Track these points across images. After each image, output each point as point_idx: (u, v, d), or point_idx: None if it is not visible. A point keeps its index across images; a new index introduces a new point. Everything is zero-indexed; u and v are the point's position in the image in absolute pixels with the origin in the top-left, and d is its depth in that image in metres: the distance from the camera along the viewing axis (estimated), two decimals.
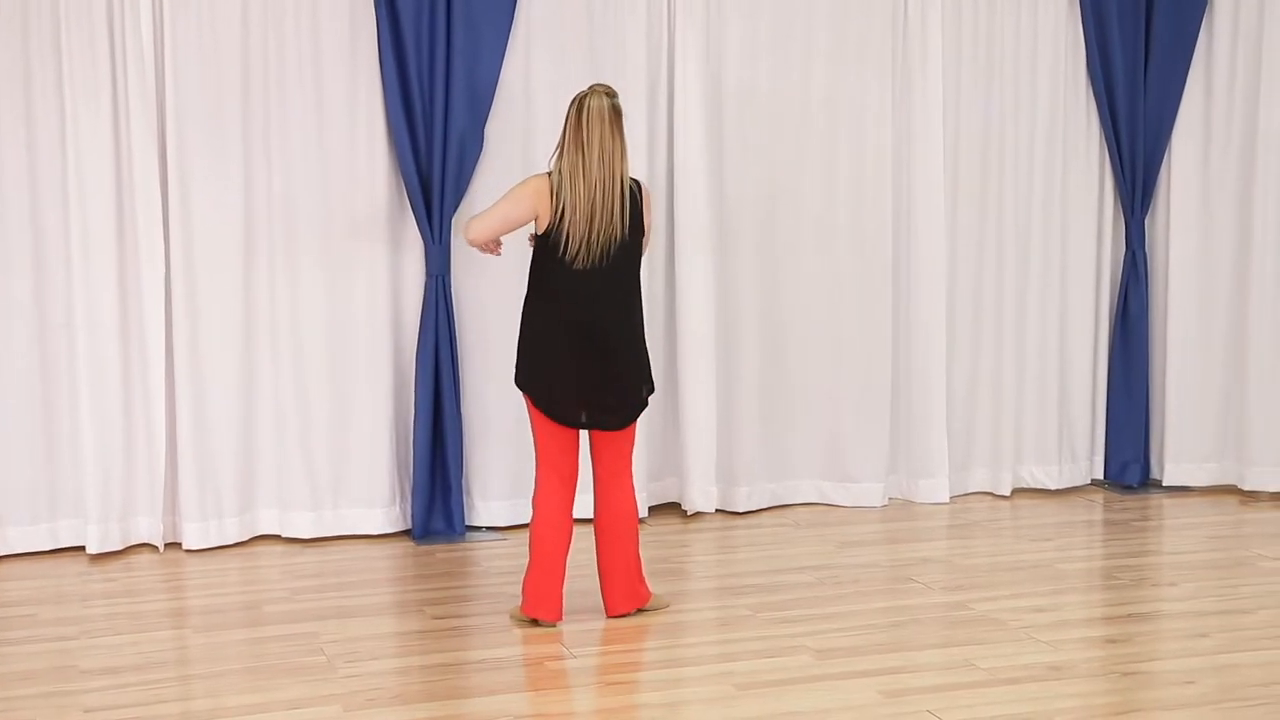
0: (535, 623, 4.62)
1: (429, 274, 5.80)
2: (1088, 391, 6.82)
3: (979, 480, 6.69)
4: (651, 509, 6.20)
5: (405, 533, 5.89)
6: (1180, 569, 5.41)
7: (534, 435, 4.63)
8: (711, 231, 6.10)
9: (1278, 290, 6.56)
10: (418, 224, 5.78)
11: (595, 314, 4.51)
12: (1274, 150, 6.51)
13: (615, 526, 4.68)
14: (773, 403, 6.32)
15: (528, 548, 4.65)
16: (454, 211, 5.79)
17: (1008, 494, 6.65)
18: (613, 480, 4.66)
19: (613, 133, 4.48)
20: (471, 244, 4.65)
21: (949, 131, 6.46)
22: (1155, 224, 6.83)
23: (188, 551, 5.60)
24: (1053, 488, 6.72)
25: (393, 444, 5.87)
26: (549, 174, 4.55)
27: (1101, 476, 6.88)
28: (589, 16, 5.95)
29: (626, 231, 4.52)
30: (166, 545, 5.66)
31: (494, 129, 5.84)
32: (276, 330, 5.72)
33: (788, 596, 4.99)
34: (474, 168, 5.80)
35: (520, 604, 4.69)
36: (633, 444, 4.71)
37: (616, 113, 4.51)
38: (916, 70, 6.37)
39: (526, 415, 4.65)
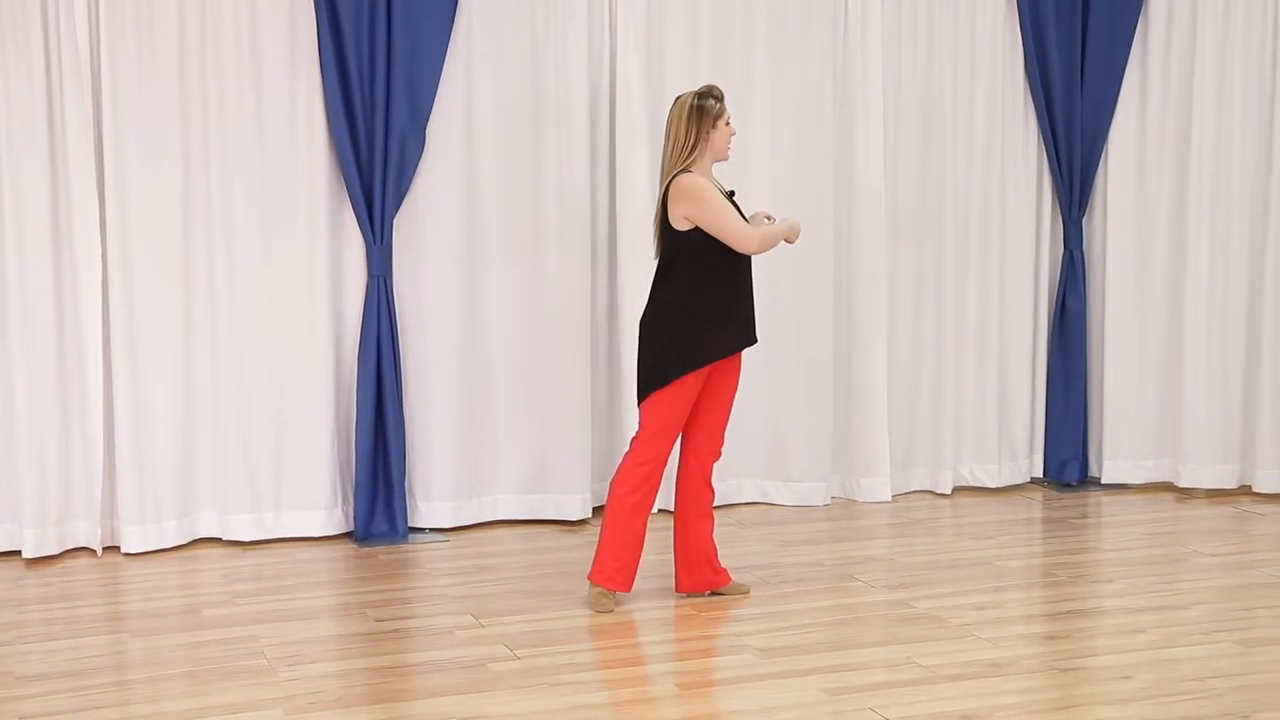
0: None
1: (370, 274, 5.77)
2: (1027, 391, 6.89)
3: (920, 479, 6.74)
4: (596, 509, 6.20)
5: (347, 535, 5.85)
6: (1118, 566, 5.48)
7: (667, 417, 4.83)
8: (652, 232, 6.09)
9: (1212, 290, 6.65)
10: (359, 224, 5.75)
11: (747, 293, 4.85)
12: (1208, 153, 6.61)
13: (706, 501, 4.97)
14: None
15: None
16: (395, 212, 5.77)
17: (949, 492, 6.70)
18: (713, 453, 4.95)
19: (669, 128, 4.76)
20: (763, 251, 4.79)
21: (889, 134, 6.51)
22: (1093, 225, 6.91)
23: (126, 555, 5.54)
24: (993, 486, 6.78)
25: (334, 446, 5.83)
26: (692, 172, 4.75)
27: (1041, 474, 6.95)
28: (530, 17, 5.94)
29: (658, 224, 4.81)
30: (105, 549, 5.60)
31: (435, 129, 5.81)
32: (216, 331, 5.67)
33: (732, 595, 5.00)
34: (415, 168, 5.77)
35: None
36: (642, 424, 4.78)
37: (687, 109, 4.74)
38: (856, 73, 6.41)
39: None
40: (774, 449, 6.41)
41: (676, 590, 5.00)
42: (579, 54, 5.98)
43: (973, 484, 6.79)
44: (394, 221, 5.80)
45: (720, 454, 4.96)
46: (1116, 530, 6.10)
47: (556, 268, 6.01)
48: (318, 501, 5.80)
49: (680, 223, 4.72)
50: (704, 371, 4.76)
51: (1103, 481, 6.88)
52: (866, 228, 6.46)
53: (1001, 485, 6.80)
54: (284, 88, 5.65)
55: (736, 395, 4.96)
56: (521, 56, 5.94)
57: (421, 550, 5.69)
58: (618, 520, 4.79)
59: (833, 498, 6.55)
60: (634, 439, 4.83)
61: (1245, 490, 6.70)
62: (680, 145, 4.74)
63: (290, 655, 4.36)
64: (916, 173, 6.59)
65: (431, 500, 5.96)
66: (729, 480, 6.39)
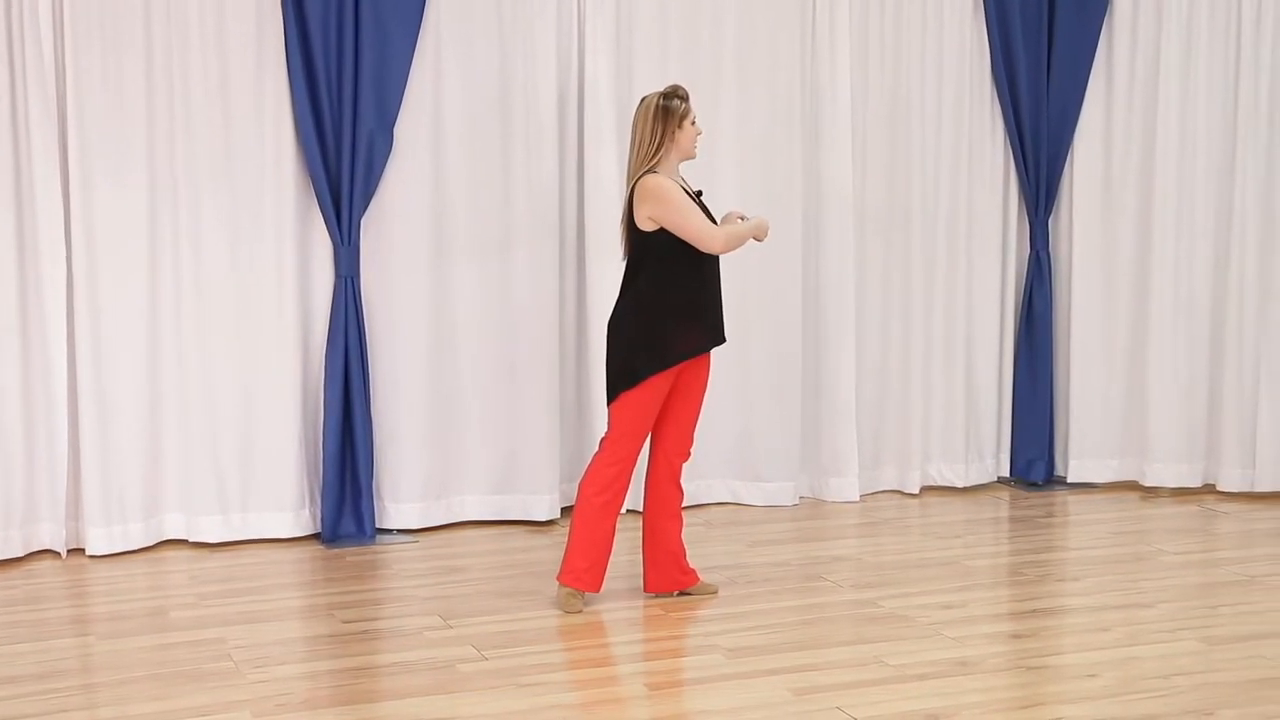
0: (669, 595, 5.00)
1: (338, 275, 5.75)
2: (994, 391, 6.93)
3: (888, 479, 6.77)
4: (564, 510, 6.19)
5: (315, 536, 5.83)
6: (1083, 564, 5.51)
7: (636, 417, 4.84)
8: (621, 229, 6.09)
9: (1177, 291, 6.71)
10: (326, 225, 5.73)
11: (718, 289, 4.88)
12: (1172, 153, 6.66)
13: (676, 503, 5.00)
14: None
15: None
16: (363, 213, 5.75)
17: (916, 492, 6.73)
18: (681, 452, 4.96)
19: (634, 129, 4.78)
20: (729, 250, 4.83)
21: (857, 135, 6.53)
22: (1059, 225, 6.95)
23: (91, 557, 5.50)
24: (960, 486, 6.82)
25: (302, 447, 5.81)
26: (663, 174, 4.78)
27: (1007, 474, 6.99)
28: (499, 17, 5.93)
29: (625, 225, 4.82)
30: (69, 551, 5.56)
31: (403, 130, 5.80)
32: (182, 332, 5.64)
33: (700, 595, 5.01)
34: (383, 169, 5.76)
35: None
36: (611, 424, 4.80)
37: (652, 110, 4.77)
38: (825, 74, 6.43)
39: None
40: (743, 449, 6.43)
41: (645, 590, 5.00)
42: (547, 54, 5.98)
43: (940, 484, 6.82)
44: (361, 222, 5.78)
45: (689, 454, 4.97)
46: (1082, 529, 6.14)
47: (525, 268, 6.01)
48: (285, 503, 5.77)
49: (645, 223, 4.72)
50: (673, 371, 4.77)
51: (1069, 481, 6.92)
52: (835, 229, 6.48)
53: (969, 485, 6.84)
54: (250, 87, 5.63)
55: (706, 395, 4.96)
56: (490, 57, 5.93)
57: (389, 551, 5.67)
58: (586, 521, 4.79)
59: (801, 498, 6.57)
60: (603, 439, 4.83)
61: (1209, 489, 6.75)
62: (645, 146, 4.75)
63: (258, 657, 4.34)
64: (884, 174, 6.61)
65: (399, 501, 5.95)
66: (698, 480, 6.39)
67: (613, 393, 4.78)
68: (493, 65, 5.93)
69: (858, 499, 6.57)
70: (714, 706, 3.94)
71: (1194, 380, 6.74)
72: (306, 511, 5.84)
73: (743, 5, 6.28)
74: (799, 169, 6.38)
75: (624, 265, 4.89)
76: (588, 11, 6.03)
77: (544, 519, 6.06)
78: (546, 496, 6.07)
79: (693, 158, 4.90)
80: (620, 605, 4.94)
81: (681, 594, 5.02)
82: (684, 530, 5.02)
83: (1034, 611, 4.88)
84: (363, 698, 4.02)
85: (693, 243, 4.70)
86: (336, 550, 5.67)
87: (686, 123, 4.78)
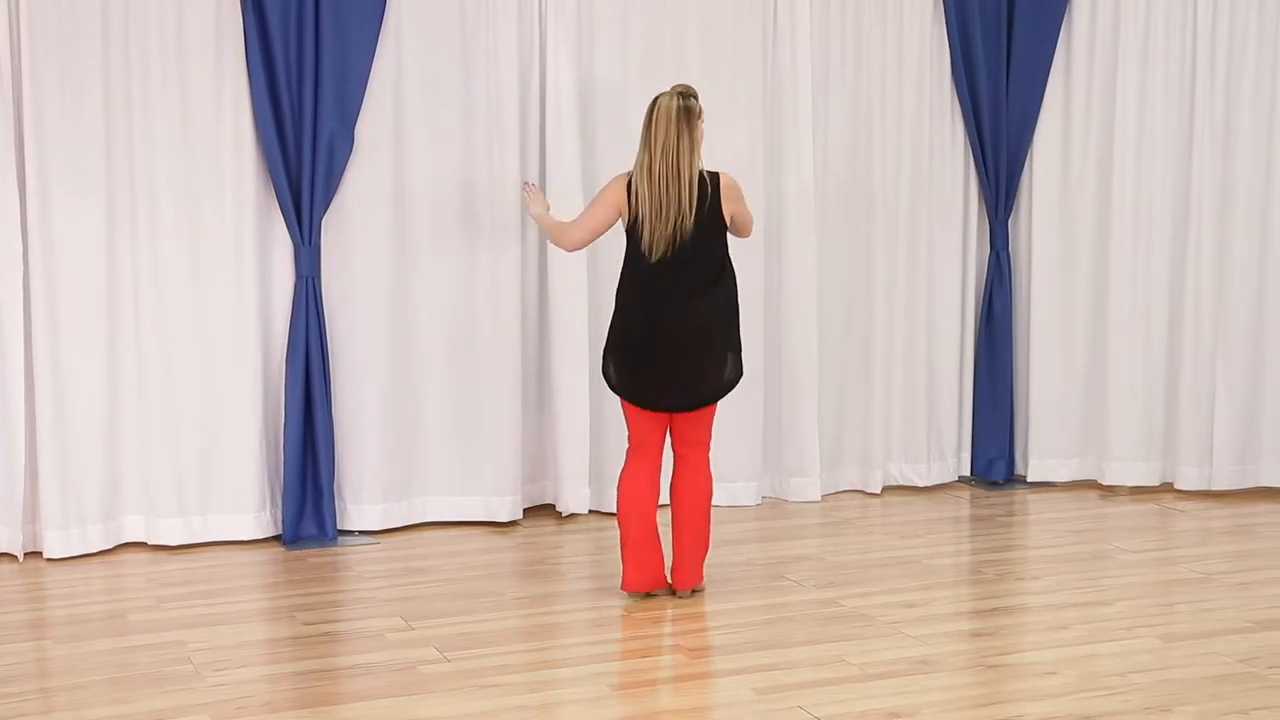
0: (648, 596, 4.94)
1: (299, 275, 5.72)
2: (955, 390, 6.96)
3: (850, 478, 6.79)
4: (526, 511, 6.19)
5: (276, 538, 5.80)
6: (1043, 563, 5.55)
7: (624, 415, 4.94)
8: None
9: (1135, 292, 6.76)
10: (287, 225, 5.71)
11: (667, 303, 4.78)
12: (1130, 155, 6.71)
13: (688, 503, 4.95)
14: None
15: (619, 528, 4.92)
16: (324, 213, 5.73)
17: (878, 491, 6.75)
18: (689, 457, 4.95)
19: (679, 130, 4.73)
20: (569, 252, 4.92)
21: (819, 137, 6.55)
22: (1018, 226, 6.99)
23: (49, 560, 5.45)
24: (921, 485, 6.85)
25: (262, 448, 5.78)
26: (629, 173, 4.82)
27: (968, 473, 7.02)
28: (460, 16, 5.92)
29: (698, 225, 4.75)
30: (26, 554, 5.51)
31: (365, 129, 5.78)
32: (141, 333, 5.60)
33: (662, 596, 5.01)
34: (344, 169, 5.74)
35: (622, 584, 4.95)
36: (709, 426, 4.95)
37: (687, 112, 4.76)
38: (786, 77, 6.44)
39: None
40: None
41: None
42: (509, 54, 5.97)
43: (902, 483, 6.85)
44: (323, 222, 5.76)
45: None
46: (1042, 528, 6.18)
47: (487, 269, 6.00)
48: (246, 505, 5.74)
49: (728, 219, 4.87)
50: None
51: (1029, 480, 6.97)
52: (796, 230, 6.49)
53: (930, 484, 6.87)
54: (210, 87, 5.59)
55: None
56: (451, 56, 5.92)
57: (351, 553, 5.65)
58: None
59: (763, 497, 6.58)
60: (702, 446, 4.96)
61: (1167, 487, 6.81)
62: (700, 144, 4.82)
63: (218, 660, 4.32)
64: (845, 175, 6.64)
65: (361, 503, 5.92)
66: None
67: (706, 398, 4.87)
68: (454, 65, 5.92)
69: (820, 499, 6.59)
70: (677, 706, 3.95)
71: (1152, 380, 6.79)
72: (267, 513, 5.81)
73: (704, 6, 6.29)
74: (760, 171, 6.39)
75: (685, 264, 4.77)
76: (549, 11, 6.03)
77: (506, 520, 6.05)
78: (509, 498, 6.06)
79: None
80: (583, 606, 4.94)
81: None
82: (607, 536, 5.08)
83: (994, 610, 4.91)
84: (324, 700, 4.00)
85: (744, 235, 5.01)
86: (297, 552, 5.64)
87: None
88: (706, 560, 5.06)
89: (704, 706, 3.95)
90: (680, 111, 4.74)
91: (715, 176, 4.82)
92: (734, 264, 4.92)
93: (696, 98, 4.83)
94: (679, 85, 4.87)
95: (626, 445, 4.99)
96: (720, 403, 6.35)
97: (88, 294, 5.49)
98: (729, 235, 4.90)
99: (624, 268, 4.89)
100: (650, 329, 4.78)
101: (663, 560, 4.96)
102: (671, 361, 4.77)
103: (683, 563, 4.97)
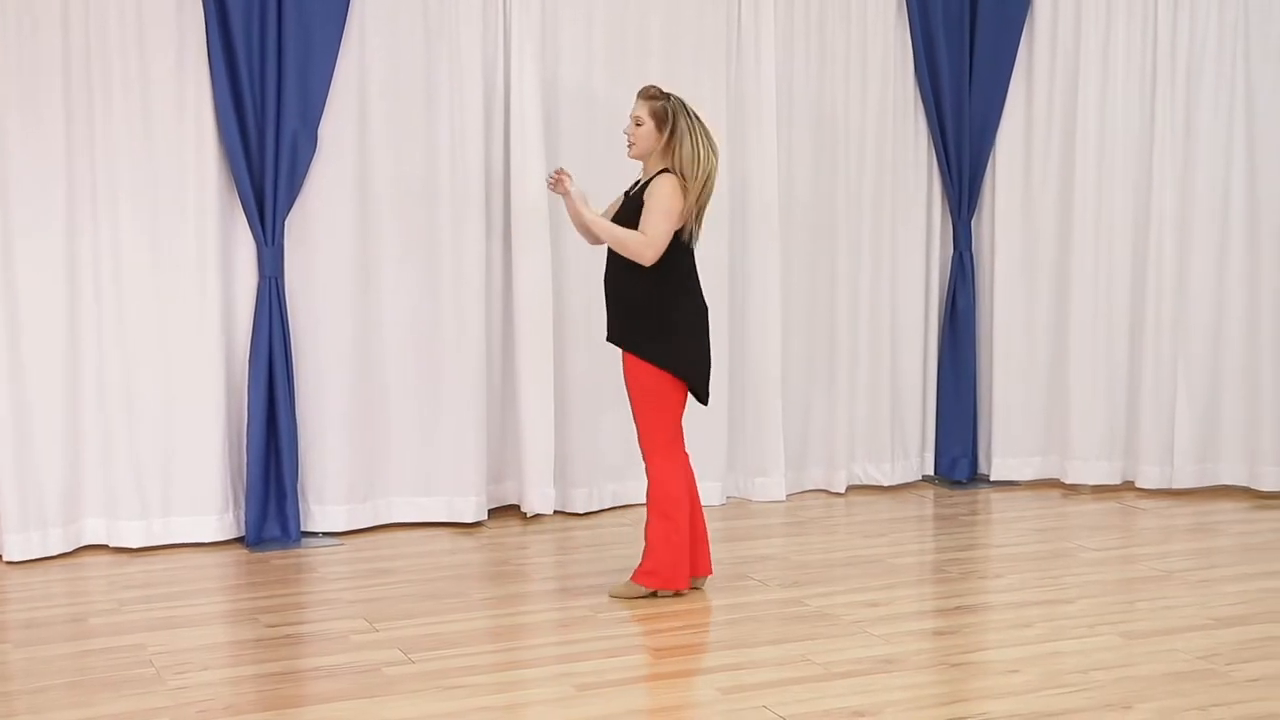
0: (678, 594, 4.97)
1: (262, 276, 5.69)
2: (918, 390, 6.99)
3: (814, 478, 6.81)
4: (491, 512, 6.18)
5: (238, 540, 5.77)
6: (1006, 561, 5.58)
7: (666, 413, 4.91)
8: (547, 231, 6.10)
9: (1096, 291, 6.80)
10: (249, 226, 5.68)
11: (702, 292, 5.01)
12: (1092, 155, 6.76)
13: (695, 491, 5.06)
14: (610, 402, 6.35)
15: (671, 523, 4.89)
16: (286, 213, 5.70)
17: (842, 491, 6.78)
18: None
19: (689, 123, 4.88)
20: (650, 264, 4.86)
21: (782, 137, 6.57)
22: (981, 226, 7.03)
23: (9, 564, 5.40)
24: (885, 484, 6.87)
25: (225, 450, 5.74)
26: (673, 175, 4.82)
27: (932, 472, 7.06)
28: (424, 16, 5.90)
29: (699, 216, 4.94)
30: None
31: (328, 129, 5.76)
32: (102, 334, 5.56)
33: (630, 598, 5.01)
34: (307, 169, 5.71)
35: (657, 581, 4.94)
36: None
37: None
38: (750, 78, 6.46)
39: (649, 391, 4.86)
40: None
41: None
42: (473, 54, 5.96)
43: (866, 482, 6.88)
44: (286, 222, 5.73)
45: (642, 452, 5.00)
46: (1005, 526, 6.22)
47: (450, 268, 5.99)
48: (208, 507, 5.70)
49: None
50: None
51: (992, 479, 7.01)
52: (760, 230, 6.51)
53: (894, 483, 6.90)
54: (172, 87, 5.55)
55: (630, 395, 4.97)
56: (415, 56, 5.90)
57: (315, 554, 5.63)
58: None
59: (728, 497, 6.59)
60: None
61: (1129, 486, 6.86)
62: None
63: (179, 663, 4.29)
64: (809, 175, 6.66)
65: (325, 504, 5.90)
66: (626, 481, 6.40)
67: None
68: (418, 64, 5.90)
69: (784, 498, 6.61)
70: (641, 707, 3.95)
71: (1113, 380, 6.84)
72: (230, 515, 5.77)
73: (668, 6, 6.29)
74: (724, 170, 6.39)
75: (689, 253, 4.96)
76: (513, 11, 6.01)
77: (471, 521, 6.04)
78: (473, 498, 6.04)
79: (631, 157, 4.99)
80: (548, 607, 4.94)
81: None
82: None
83: (957, 608, 4.93)
84: (287, 703, 3.98)
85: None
86: (261, 554, 5.61)
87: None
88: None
89: (669, 706, 3.95)
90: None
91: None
92: (695, 263, 4.98)
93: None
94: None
95: (659, 439, 4.91)
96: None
97: (48, 295, 5.44)
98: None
99: (677, 268, 4.88)
100: (706, 317, 4.99)
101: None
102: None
103: (703, 549, 5.09)
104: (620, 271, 4.89)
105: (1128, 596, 5.04)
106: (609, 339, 4.97)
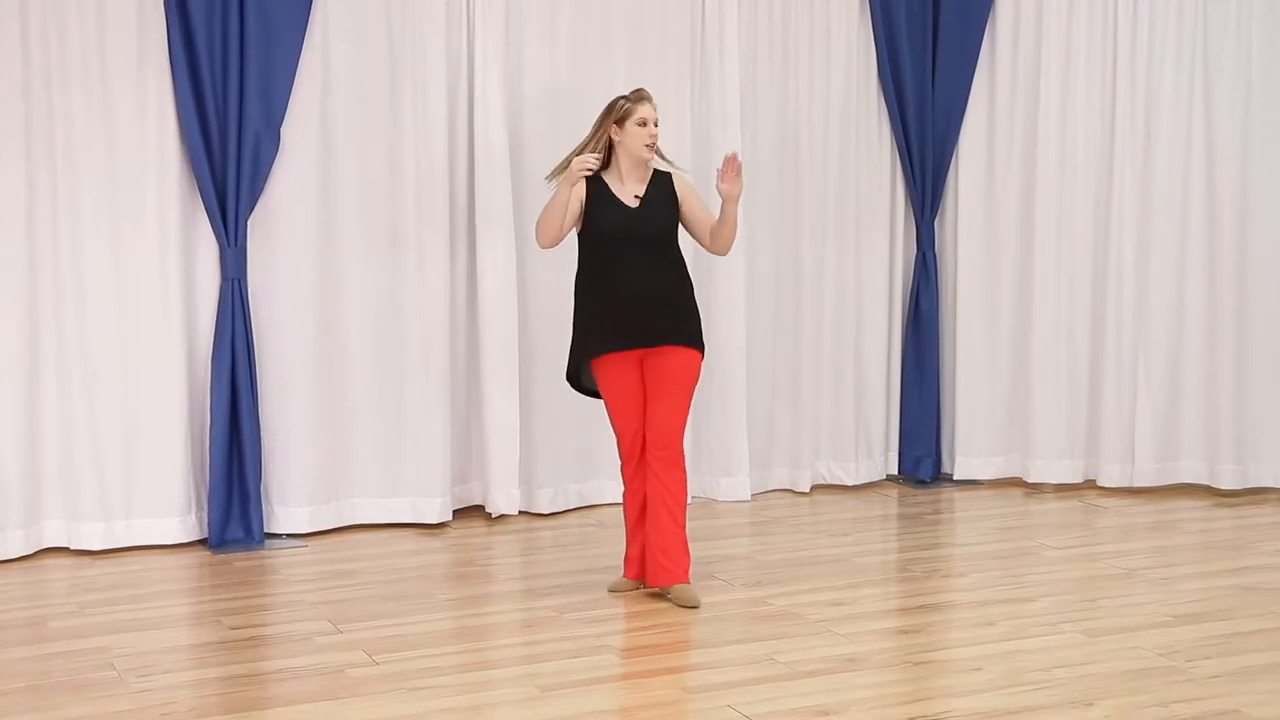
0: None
1: (224, 277, 5.67)
2: (882, 389, 7.02)
3: (779, 478, 6.83)
4: (456, 513, 6.17)
5: (201, 542, 5.74)
6: (969, 560, 5.61)
7: None
8: (512, 231, 6.09)
9: (1059, 290, 6.85)
10: (212, 227, 5.65)
11: None
12: (1053, 155, 6.80)
13: None
14: (575, 402, 6.33)
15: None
16: (249, 214, 5.67)
17: (807, 490, 6.80)
18: None
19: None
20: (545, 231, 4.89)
21: (746, 137, 6.58)
22: (944, 226, 7.07)
23: None
24: (850, 484, 6.90)
25: (188, 451, 5.71)
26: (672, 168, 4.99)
27: (896, 472, 7.09)
28: (386, 15, 5.88)
29: None
30: None
31: (291, 130, 5.73)
32: (63, 334, 5.51)
33: (592, 596, 5.01)
34: (270, 169, 5.69)
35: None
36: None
37: (605, 107, 4.91)
38: (714, 76, 6.47)
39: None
40: None
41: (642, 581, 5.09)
42: (437, 54, 5.95)
43: (831, 482, 6.90)
44: (248, 223, 5.70)
45: (668, 447, 4.88)
46: (968, 525, 6.25)
47: (414, 268, 5.97)
48: (170, 508, 5.67)
49: None
50: (616, 363, 4.86)
51: (955, 478, 7.04)
52: None
53: (858, 483, 6.92)
54: (133, 87, 5.52)
55: (682, 390, 4.89)
56: (378, 55, 5.88)
57: (278, 556, 5.60)
58: (626, 516, 5.07)
59: (693, 497, 6.59)
60: None
61: (1090, 484, 6.91)
62: (582, 144, 4.88)
63: (142, 666, 4.26)
64: (773, 175, 6.67)
65: (288, 505, 5.87)
66: (589, 481, 6.41)
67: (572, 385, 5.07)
68: (381, 65, 5.89)
69: (749, 498, 6.62)
70: (606, 707, 3.95)
71: (1075, 379, 6.89)
72: (192, 517, 5.74)
73: (632, 7, 6.30)
74: (689, 170, 6.39)
75: None
76: (477, 11, 6.00)
77: (435, 522, 6.02)
78: (438, 499, 6.03)
79: (643, 158, 4.88)
80: (512, 608, 4.93)
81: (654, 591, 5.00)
82: (664, 523, 4.88)
83: (921, 607, 4.95)
84: (250, 705, 3.96)
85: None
86: (223, 556, 5.58)
87: (630, 123, 4.83)
88: (620, 560, 5.20)
89: (634, 706, 3.96)
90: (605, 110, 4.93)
91: None
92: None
93: (624, 96, 4.95)
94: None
95: (621, 455, 5.04)
96: None
97: (7, 295, 5.40)
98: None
99: (583, 267, 4.96)
100: (620, 316, 4.95)
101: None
102: None
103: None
104: (665, 272, 4.88)
105: (1089, 594, 5.08)
106: (650, 343, 4.84)
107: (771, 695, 4.02)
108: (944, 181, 6.97)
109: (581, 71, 6.21)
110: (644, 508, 4.96)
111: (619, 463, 5.03)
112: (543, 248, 4.92)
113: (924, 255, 6.97)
